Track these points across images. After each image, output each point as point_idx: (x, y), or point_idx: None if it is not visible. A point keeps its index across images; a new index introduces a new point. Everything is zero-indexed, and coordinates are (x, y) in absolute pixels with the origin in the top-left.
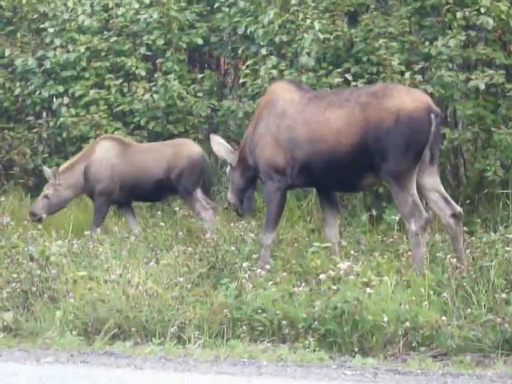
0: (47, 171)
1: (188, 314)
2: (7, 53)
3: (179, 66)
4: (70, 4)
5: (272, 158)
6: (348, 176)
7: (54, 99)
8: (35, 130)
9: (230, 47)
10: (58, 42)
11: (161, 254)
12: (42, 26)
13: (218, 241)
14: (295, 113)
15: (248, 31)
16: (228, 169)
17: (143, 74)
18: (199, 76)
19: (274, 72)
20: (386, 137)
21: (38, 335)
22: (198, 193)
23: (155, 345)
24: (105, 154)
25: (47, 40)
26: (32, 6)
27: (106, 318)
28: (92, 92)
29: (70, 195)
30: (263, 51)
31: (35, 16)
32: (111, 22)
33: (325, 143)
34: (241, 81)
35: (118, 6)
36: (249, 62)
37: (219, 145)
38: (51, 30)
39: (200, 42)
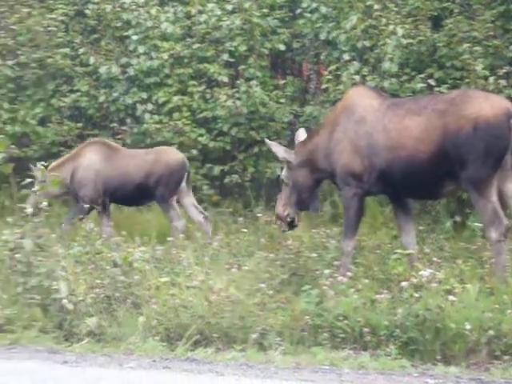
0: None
1: (269, 320)
2: (92, 61)
3: (261, 72)
4: (153, 12)
5: (350, 163)
6: (427, 183)
7: (138, 106)
8: (119, 137)
9: (312, 53)
10: (141, 49)
11: (243, 260)
12: (126, 33)
13: (299, 247)
14: (374, 119)
15: (330, 37)
16: (284, 172)
17: (226, 80)
18: (281, 82)
19: (357, 77)
20: (465, 144)
21: (121, 340)
22: (174, 201)
23: (237, 351)
24: (91, 159)
25: (131, 47)
26: (116, 15)
27: (188, 324)
28: (175, 98)
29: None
30: (345, 57)
31: (119, 24)
32: (194, 28)
33: (404, 150)
34: (323, 86)
35: (200, 12)
36: (331, 68)
37: (276, 146)
38: (135, 38)
39: (282, 47)
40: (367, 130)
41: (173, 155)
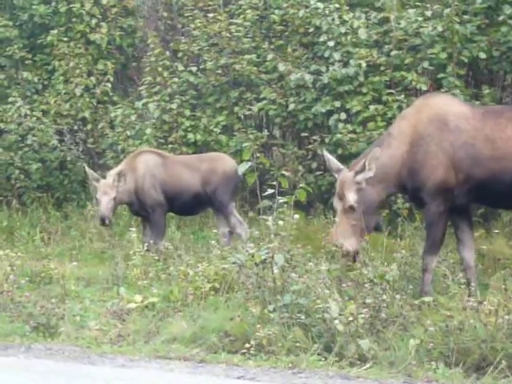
0: (91, 172)
1: None
2: (281, 68)
3: (459, 82)
4: (346, 17)
5: (445, 177)
6: None
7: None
8: (310, 147)
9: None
10: (336, 56)
11: None
12: (317, 39)
13: None
14: (472, 129)
15: None
16: (350, 196)
17: (424, 88)
18: (476, 91)
19: None
20: None
21: (394, 365)
22: (233, 208)
23: None
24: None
25: (326, 54)
26: (304, 20)
27: (469, 348)
28: (371, 108)
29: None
30: None
31: (310, 30)
32: (391, 35)
33: (511, 161)
34: None
35: (398, 18)
36: None
37: (330, 159)
38: (331, 44)
39: (483, 56)
40: (465, 141)
41: (229, 162)
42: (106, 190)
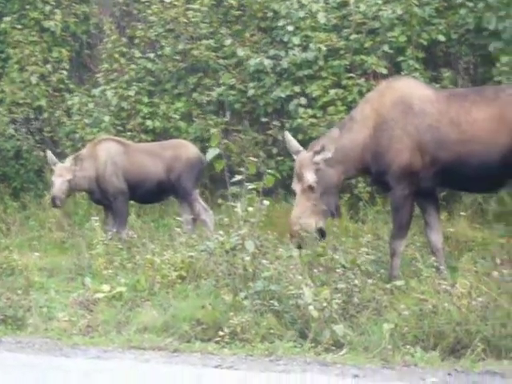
0: (51, 157)
1: None
2: (240, 53)
3: (418, 64)
4: (304, 1)
5: (410, 161)
6: (493, 177)
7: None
8: (270, 132)
9: (475, 44)
10: (295, 40)
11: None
12: (276, 24)
13: None
14: (437, 112)
15: (501, 26)
16: (309, 176)
17: (384, 72)
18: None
19: None
20: None
21: (369, 350)
22: (197, 195)
23: None
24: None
25: (285, 39)
26: (262, 5)
27: (444, 331)
28: (331, 92)
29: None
30: None
31: (268, 14)
32: (351, 19)
33: (477, 144)
34: (497, 79)
35: (356, 1)
36: (506, 60)
37: (291, 141)
38: (290, 29)
39: (442, 39)
40: (430, 124)
41: (192, 149)
42: (61, 173)
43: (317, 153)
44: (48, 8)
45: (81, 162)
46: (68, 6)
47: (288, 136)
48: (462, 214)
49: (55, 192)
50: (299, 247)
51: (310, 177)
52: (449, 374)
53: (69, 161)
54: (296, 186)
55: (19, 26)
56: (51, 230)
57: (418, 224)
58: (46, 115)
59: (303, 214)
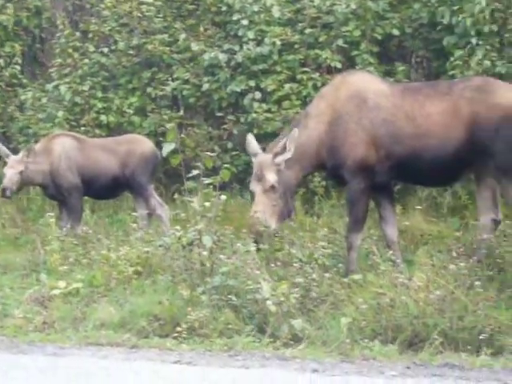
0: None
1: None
2: (194, 47)
3: (373, 58)
4: None
5: (365, 155)
6: (448, 171)
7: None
8: (225, 126)
9: (429, 38)
10: (250, 34)
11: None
12: (230, 18)
13: None
14: (392, 106)
15: (454, 21)
16: (270, 176)
17: (339, 66)
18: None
19: (487, 63)
20: (495, 134)
21: (327, 344)
22: (152, 190)
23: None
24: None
25: (239, 33)
26: None
27: (402, 324)
28: (285, 86)
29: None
30: (473, 41)
31: (223, 8)
32: (305, 13)
33: (431, 138)
34: (450, 73)
35: None
36: (459, 54)
37: (251, 142)
38: (245, 23)
39: (396, 33)
40: (385, 118)
41: (147, 144)
42: (13, 164)
43: (278, 154)
44: (0, 2)
45: (34, 155)
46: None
47: (250, 137)
48: (417, 207)
49: (6, 183)
50: (257, 242)
51: (272, 177)
52: (407, 367)
53: (21, 153)
54: (255, 187)
55: None
56: (4, 225)
57: (373, 218)
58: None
59: (264, 213)
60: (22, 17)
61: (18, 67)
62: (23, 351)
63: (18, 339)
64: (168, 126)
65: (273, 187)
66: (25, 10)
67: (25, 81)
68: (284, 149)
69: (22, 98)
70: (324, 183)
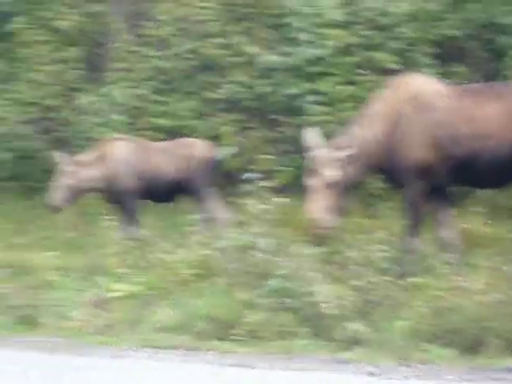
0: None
1: None
2: (250, 50)
3: (429, 60)
4: None
5: (424, 156)
6: (505, 172)
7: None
8: (280, 129)
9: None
10: (304, 37)
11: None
12: (285, 21)
13: None
14: (450, 108)
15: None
16: (329, 171)
17: (395, 68)
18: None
19: None
20: None
21: (383, 347)
22: (212, 193)
23: None
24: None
25: (292, 35)
26: (270, 2)
27: (461, 328)
28: (342, 88)
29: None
30: None
31: (276, 11)
32: (360, 15)
33: (489, 139)
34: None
35: None
36: None
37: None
38: (299, 25)
39: (456, 33)
40: (443, 120)
41: (206, 148)
42: (69, 171)
43: (339, 150)
44: (63, 8)
45: (91, 161)
46: (82, 5)
47: (308, 132)
48: (474, 209)
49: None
50: (319, 245)
51: (331, 174)
52: (466, 372)
53: (77, 159)
54: (313, 182)
55: (31, 26)
56: (63, 229)
57: (429, 220)
58: (58, 115)
59: (324, 210)
60: (83, 22)
61: (78, 72)
62: (81, 353)
63: (77, 341)
64: (223, 129)
65: (331, 184)
66: (86, 16)
67: (84, 85)
68: (344, 146)
69: (80, 102)
70: (382, 185)
